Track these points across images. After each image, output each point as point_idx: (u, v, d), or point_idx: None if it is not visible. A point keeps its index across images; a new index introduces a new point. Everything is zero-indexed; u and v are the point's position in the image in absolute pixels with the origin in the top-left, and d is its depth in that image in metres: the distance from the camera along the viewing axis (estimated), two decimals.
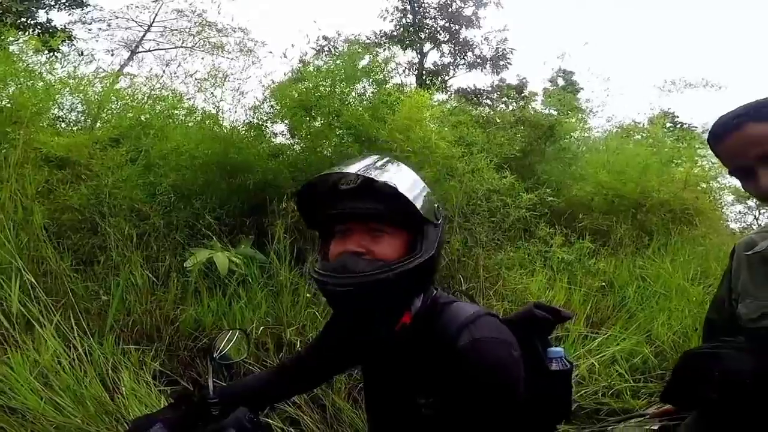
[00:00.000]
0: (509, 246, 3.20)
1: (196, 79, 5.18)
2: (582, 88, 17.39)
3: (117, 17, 9.86)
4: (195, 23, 10.04)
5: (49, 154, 3.18)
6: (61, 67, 4.07)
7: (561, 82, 17.86)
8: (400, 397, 0.83)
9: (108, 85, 4.84)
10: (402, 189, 0.72)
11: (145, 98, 4.65)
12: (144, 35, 10.12)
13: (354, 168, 0.76)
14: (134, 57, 9.85)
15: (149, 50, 10.21)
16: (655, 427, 1.25)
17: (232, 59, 9.18)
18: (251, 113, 4.38)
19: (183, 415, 0.89)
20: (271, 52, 8.33)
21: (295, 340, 2.07)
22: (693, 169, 5.94)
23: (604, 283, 3.30)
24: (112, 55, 9.60)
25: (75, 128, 4.08)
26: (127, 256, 2.39)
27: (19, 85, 3.51)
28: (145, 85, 4.96)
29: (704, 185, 6.31)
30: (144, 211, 2.98)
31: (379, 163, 0.80)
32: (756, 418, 0.85)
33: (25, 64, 3.74)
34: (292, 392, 1.26)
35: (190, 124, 4.27)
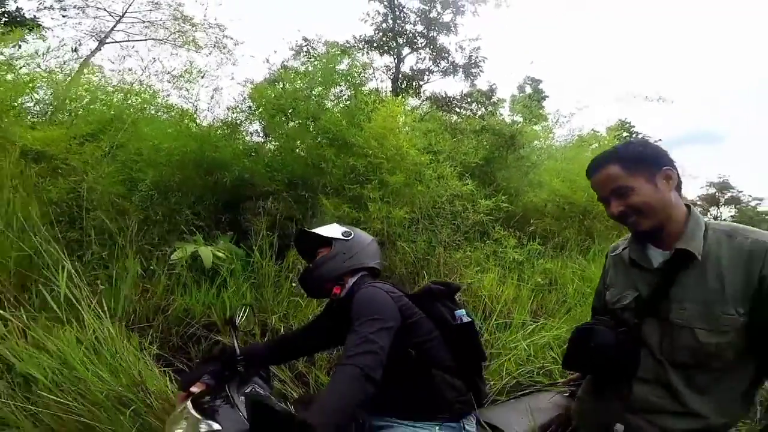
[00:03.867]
0: (468, 246, 3.69)
1: (171, 74, 5.30)
2: (547, 96, 18.60)
3: (87, 5, 9.57)
4: (170, 16, 9.93)
5: (24, 148, 3.29)
6: (31, 60, 4.10)
7: (528, 89, 18.97)
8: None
9: (80, 78, 4.89)
10: (313, 230, 1.43)
11: (117, 92, 4.75)
12: (115, 25, 9.90)
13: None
14: (102, 47, 9.61)
15: (119, 41, 9.99)
16: (567, 393, 1.65)
17: (207, 55, 9.20)
18: (228, 112, 4.64)
19: (221, 368, 1.25)
20: (252, 56, 8.49)
21: (279, 326, 2.42)
22: None
23: (549, 281, 3.87)
24: (80, 44, 9.33)
25: (46, 122, 4.14)
26: (117, 247, 2.62)
27: None
28: (116, 78, 5.05)
29: None
30: (124, 206, 3.19)
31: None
32: (619, 376, 1.16)
33: None
34: (301, 350, 1.62)
35: (164, 119, 4.45)
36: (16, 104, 3.84)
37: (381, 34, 12.19)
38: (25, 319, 1.75)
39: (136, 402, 1.59)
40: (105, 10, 9.94)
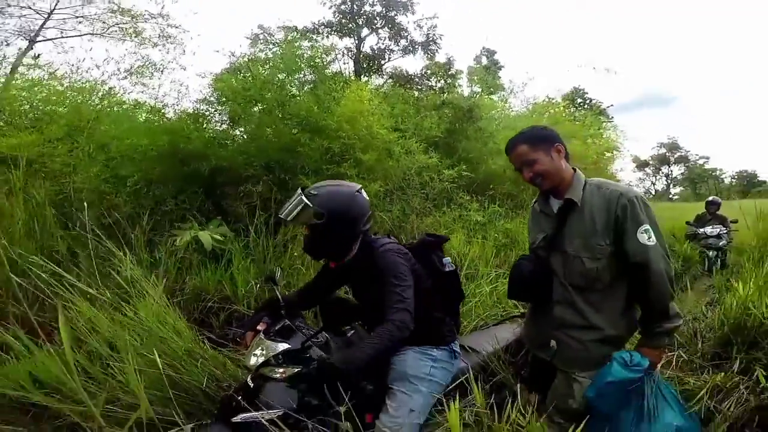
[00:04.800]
0: (437, 212, 4.18)
1: (127, 71, 5.28)
2: (503, 66, 19.21)
3: (8, 5, 8.92)
4: (105, 9, 9.44)
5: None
6: None
7: (485, 60, 19.49)
8: (365, 289, 1.64)
9: (14, 78, 4.79)
10: (286, 217, 1.50)
11: (72, 91, 4.71)
12: (44, 23, 9.31)
13: (283, 214, 1.52)
14: (33, 46, 9.04)
15: (52, 39, 9.45)
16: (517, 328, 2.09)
17: (160, 49, 8.91)
18: (194, 104, 4.75)
19: (271, 312, 1.66)
20: (217, 51, 8.20)
21: (283, 292, 2.78)
22: (586, 144, 7.49)
23: (509, 239, 4.45)
24: (7, 44, 8.75)
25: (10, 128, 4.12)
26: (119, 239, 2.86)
27: None
28: (64, 78, 4.97)
29: (595, 157, 7.97)
30: (113, 201, 3.39)
31: (288, 205, 1.51)
32: (540, 299, 1.58)
33: None
34: (319, 298, 1.88)
35: (129, 115, 4.51)
36: None
37: (340, 16, 12.22)
38: (108, 296, 2.03)
39: (200, 356, 1.94)
40: (30, 8, 9.36)
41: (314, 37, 5.99)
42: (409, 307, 1.41)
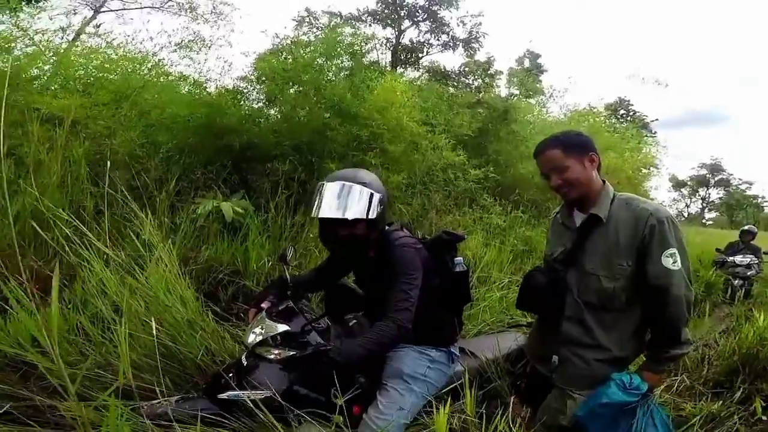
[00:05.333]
0: (457, 211, 4.15)
1: (177, 45, 5.47)
2: (546, 70, 18.68)
3: None
4: None
5: (48, 115, 3.55)
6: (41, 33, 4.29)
7: (527, 63, 18.98)
8: (372, 282, 1.62)
9: (79, 46, 5.03)
10: (352, 215, 1.42)
11: (125, 61, 4.92)
12: None
13: (327, 212, 1.44)
14: (96, 16, 9.51)
15: (115, 10, 9.90)
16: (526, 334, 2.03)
17: (207, 22, 9.18)
18: (235, 81, 4.89)
19: (279, 292, 1.67)
20: (263, 31, 8.35)
21: (294, 272, 2.84)
22: (623, 157, 7.20)
23: (528, 247, 4.36)
24: (74, 13, 9.20)
25: (63, 90, 4.35)
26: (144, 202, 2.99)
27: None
28: (123, 47, 5.19)
29: (631, 173, 7.65)
30: (146, 165, 3.53)
31: (337, 197, 1.44)
32: (551, 314, 1.52)
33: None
34: (326, 283, 1.93)
35: (174, 87, 4.70)
36: (32, 75, 4.08)
37: (383, 5, 12.18)
38: (123, 257, 2.10)
39: (201, 327, 1.96)
40: None
41: (357, 24, 5.99)
42: (411, 307, 1.40)
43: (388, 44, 12.29)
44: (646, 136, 11.00)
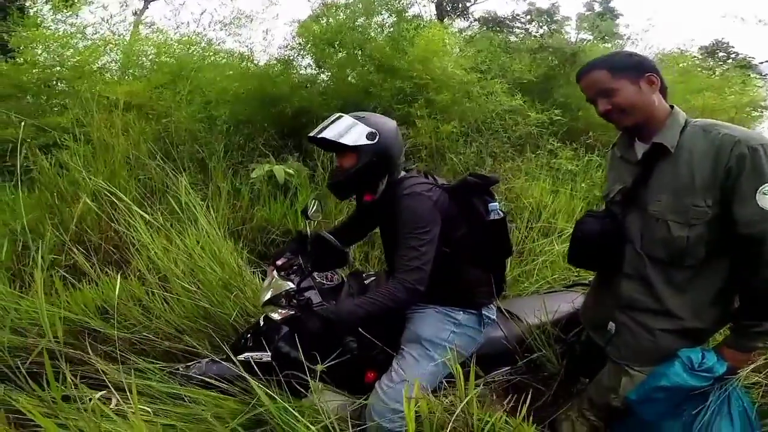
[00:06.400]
0: (519, 157, 3.81)
1: (221, 23, 5.70)
2: (621, 14, 16.45)
3: None
4: None
5: (116, 101, 3.91)
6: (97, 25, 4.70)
7: (597, 7, 16.90)
8: (388, 234, 1.47)
9: (137, 35, 5.48)
10: (328, 135, 1.35)
11: (178, 44, 5.27)
12: None
13: (315, 132, 1.40)
14: (149, 5, 10.33)
15: None
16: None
17: None
18: (280, 51, 4.99)
19: (297, 247, 1.62)
20: None
21: (318, 228, 2.79)
22: (722, 98, 6.07)
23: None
24: (126, 5, 10.10)
25: (125, 76, 4.79)
26: (209, 171, 3.16)
27: (70, 47, 4.24)
28: (173, 32, 5.57)
29: (734, 113, 6.44)
30: (207, 138, 3.74)
31: (328, 123, 1.40)
32: (605, 268, 1.29)
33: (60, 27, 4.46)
34: (350, 238, 1.87)
35: (224, 63, 4.92)
36: (97, 66, 4.52)
37: None
38: (161, 221, 2.23)
39: (236, 289, 2.00)
40: None
41: None
42: (425, 265, 1.24)
43: None
44: (751, 76, 9.23)
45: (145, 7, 10.28)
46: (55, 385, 0.93)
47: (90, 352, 1.41)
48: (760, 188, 1.01)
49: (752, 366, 1.16)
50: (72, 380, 1.03)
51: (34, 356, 1.04)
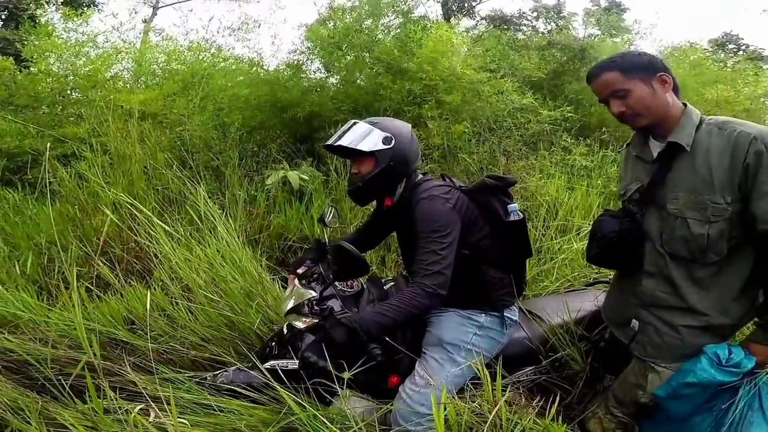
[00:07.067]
0: (532, 155, 3.78)
1: (230, 29, 5.74)
2: (628, 9, 16.26)
3: None
4: None
5: (130, 110, 3.96)
6: (107, 34, 4.75)
7: (603, 2, 16.73)
8: (406, 238, 1.45)
9: (147, 43, 5.54)
10: (345, 143, 1.36)
11: (188, 51, 5.33)
12: None
13: (332, 140, 1.40)
14: (157, 12, 10.46)
15: (171, 4, 10.77)
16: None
17: (257, 2, 9.54)
18: (290, 56, 5.02)
19: (317, 254, 1.63)
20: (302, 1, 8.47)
21: (334, 234, 2.79)
22: (737, 90, 5.97)
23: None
24: (135, 12, 10.23)
25: (138, 85, 4.85)
26: (225, 178, 3.19)
27: (82, 56, 4.30)
28: (182, 38, 5.62)
29: (750, 104, 6.33)
30: (221, 146, 3.77)
31: (344, 131, 1.41)
32: (626, 267, 1.29)
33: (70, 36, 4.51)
34: (368, 244, 1.86)
35: (234, 70, 4.97)
36: (110, 74, 4.58)
37: None
38: (181, 232, 2.24)
39: (258, 297, 2.01)
40: None
41: None
42: (446, 269, 1.23)
43: None
44: (766, 68, 9.10)
45: (154, 14, 10.41)
46: (96, 399, 0.94)
47: (124, 363, 1.43)
48: None
49: None
50: (111, 394, 1.05)
51: (78, 370, 1.05)
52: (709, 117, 1.16)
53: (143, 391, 1.05)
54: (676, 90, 1.18)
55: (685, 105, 1.18)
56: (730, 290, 1.13)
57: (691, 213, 1.10)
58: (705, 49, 7.93)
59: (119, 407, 1.04)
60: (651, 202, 1.20)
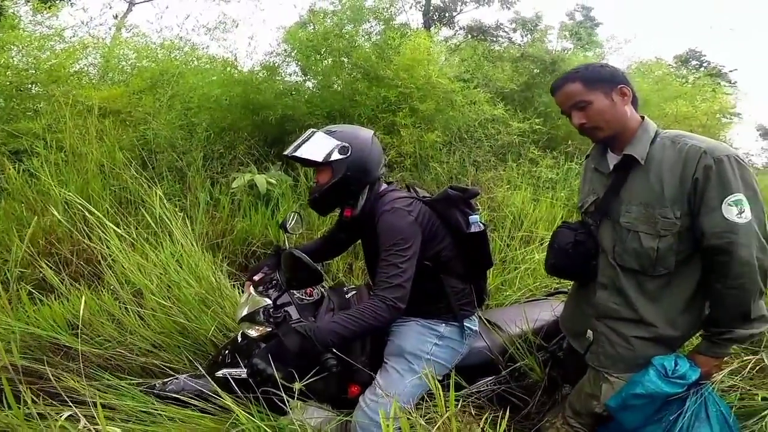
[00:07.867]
0: (500, 166, 3.86)
1: (206, 27, 5.62)
2: (600, 23, 16.95)
3: None
4: None
5: (91, 106, 3.80)
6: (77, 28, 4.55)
7: (579, 17, 17.36)
8: (370, 248, 1.45)
9: (119, 39, 5.36)
10: (300, 154, 1.34)
11: (160, 48, 5.17)
12: None
13: (289, 150, 1.38)
14: (132, 8, 10.14)
15: (148, 0, 10.46)
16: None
17: (237, 2, 9.36)
18: (266, 57, 4.95)
19: (275, 262, 1.60)
20: (280, 3, 8.37)
21: (299, 241, 2.75)
22: (694, 106, 6.31)
23: None
24: (110, 8, 9.91)
25: (104, 81, 4.66)
26: (187, 180, 3.10)
27: (47, 50, 4.11)
28: (156, 36, 5.45)
29: (706, 120, 6.68)
30: (186, 146, 3.66)
31: (302, 141, 1.38)
32: (580, 277, 1.34)
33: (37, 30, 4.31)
34: (330, 252, 1.84)
35: (207, 69, 4.85)
36: (74, 69, 4.39)
37: None
38: (134, 235, 2.16)
39: (214, 303, 1.97)
40: None
41: None
42: (405, 283, 1.23)
43: (419, 5, 11.80)
44: (721, 84, 9.65)
45: (129, 10, 10.08)
46: (15, 404, 0.88)
47: (60, 369, 1.35)
48: (726, 199, 1.03)
49: (727, 370, 1.19)
50: (33, 399, 0.98)
51: None
52: (665, 131, 1.18)
53: (86, 398, 0.99)
54: (635, 103, 1.21)
55: (642, 118, 1.21)
56: (677, 302, 1.15)
57: (643, 226, 1.13)
58: (669, 65, 8.33)
59: (48, 414, 0.98)
60: (605, 214, 1.23)
